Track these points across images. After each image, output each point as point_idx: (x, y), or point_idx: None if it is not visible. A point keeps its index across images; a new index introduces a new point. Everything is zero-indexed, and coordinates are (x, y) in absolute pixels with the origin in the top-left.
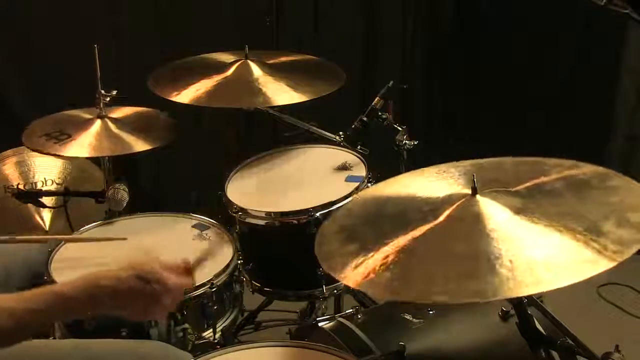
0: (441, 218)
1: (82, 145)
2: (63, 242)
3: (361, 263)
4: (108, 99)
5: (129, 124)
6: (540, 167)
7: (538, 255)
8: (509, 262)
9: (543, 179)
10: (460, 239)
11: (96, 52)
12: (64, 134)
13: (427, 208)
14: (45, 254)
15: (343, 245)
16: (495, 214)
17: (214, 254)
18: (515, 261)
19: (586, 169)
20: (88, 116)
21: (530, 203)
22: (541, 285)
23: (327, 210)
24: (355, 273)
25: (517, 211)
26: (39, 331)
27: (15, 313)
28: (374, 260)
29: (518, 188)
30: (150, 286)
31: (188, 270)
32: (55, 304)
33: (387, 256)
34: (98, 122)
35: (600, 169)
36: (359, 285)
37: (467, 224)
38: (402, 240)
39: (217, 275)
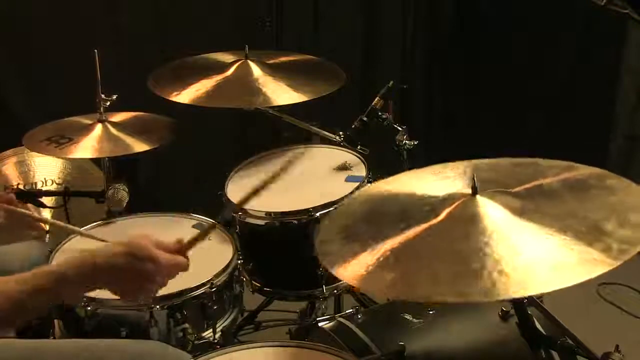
0: (441, 218)
1: (83, 148)
2: (63, 242)
3: (362, 263)
4: (108, 103)
5: (129, 126)
6: (537, 169)
7: (539, 256)
8: (511, 262)
9: (542, 180)
10: (461, 239)
11: (96, 57)
12: (65, 138)
13: (427, 208)
14: (46, 254)
15: (344, 246)
16: (496, 214)
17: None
18: (517, 262)
19: (582, 170)
20: (88, 121)
21: (531, 204)
22: (543, 286)
23: (327, 210)
24: (356, 274)
25: (518, 212)
26: (38, 313)
27: (11, 295)
28: (376, 260)
29: (518, 189)
30: (143, 264)
31: (182, 250)
32: (52, 282)
33: (388, 256)
34: (99, 126)
35: (596, 169)
36: (362, 286)
37: (468, 224)
38: (403, 240)
39: (217, 275)
